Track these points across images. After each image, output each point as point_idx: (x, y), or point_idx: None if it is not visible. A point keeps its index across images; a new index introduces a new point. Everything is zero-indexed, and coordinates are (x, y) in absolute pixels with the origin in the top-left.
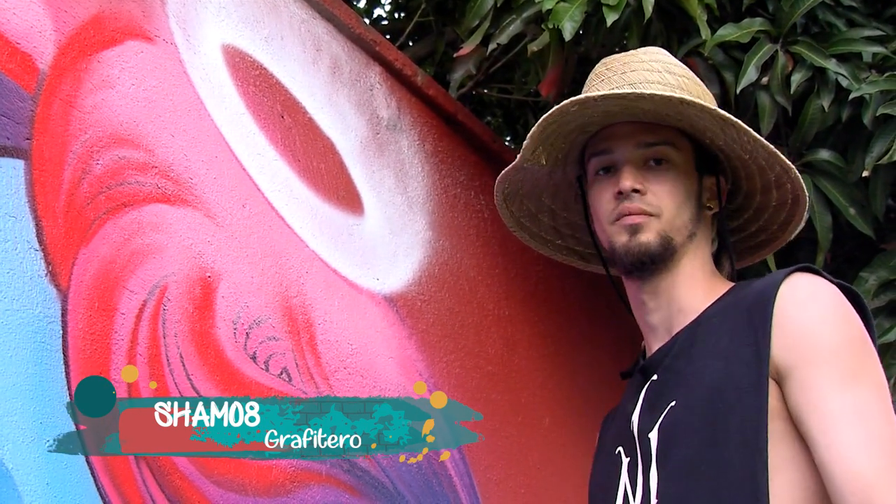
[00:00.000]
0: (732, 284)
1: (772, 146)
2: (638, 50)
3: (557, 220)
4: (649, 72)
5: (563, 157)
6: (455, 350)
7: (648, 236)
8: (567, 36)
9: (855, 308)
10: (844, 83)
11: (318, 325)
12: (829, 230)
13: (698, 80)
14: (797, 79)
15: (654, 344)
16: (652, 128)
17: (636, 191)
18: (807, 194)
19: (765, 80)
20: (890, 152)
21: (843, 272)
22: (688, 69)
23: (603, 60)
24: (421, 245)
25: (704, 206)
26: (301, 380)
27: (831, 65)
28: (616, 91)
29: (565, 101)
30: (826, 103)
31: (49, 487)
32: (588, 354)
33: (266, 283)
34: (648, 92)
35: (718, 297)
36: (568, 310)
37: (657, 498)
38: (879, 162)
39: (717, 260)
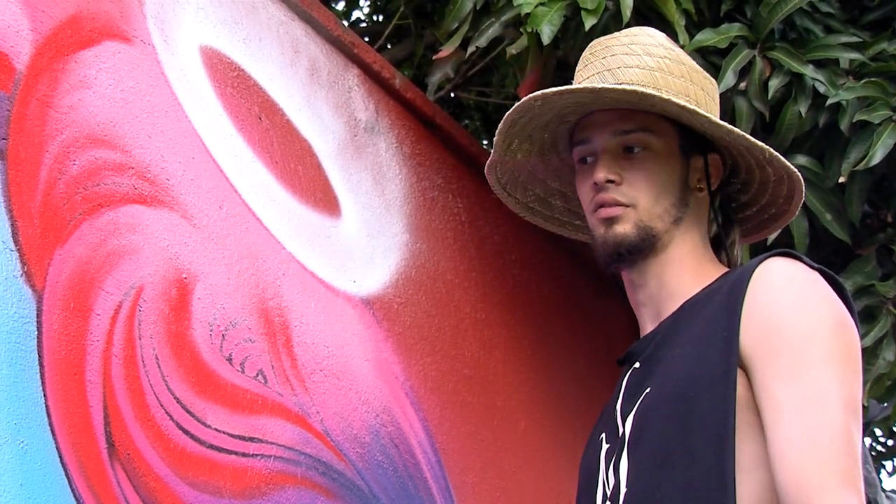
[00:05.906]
0: (725, 270)
1: (738, 130)
2: (622, 31)
3: (571, 202)
4: (628, 55)
5: (549, 145)
6: (431, 353)
7: (625, 227)
8: (545, 40)
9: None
10: (822, 89)
11: (295, 328)
12: (806, 235)
13: (685, 58)
14: (774, 84)
15: (646, 330)
16: (630, 114)
17: (611, 181)
18: (794, 168)
19: (742, 85)
20: (866, 158)
21: None
22: (674, 48)
23: (591, 43)
24: (398, 248)
25: (695, 188)
26: (277, 382)
27: (808, 71)
28: (576, 86)
29: (527, 97)
30: (803, 109)
31: (23, 488)
32: (564, 357)
33: (242, 285)
34: (600, 86)
35: (708, 283)
36: (544, 313)
37: (626, 486)
38: (856, 168)
39: (720, 240)
